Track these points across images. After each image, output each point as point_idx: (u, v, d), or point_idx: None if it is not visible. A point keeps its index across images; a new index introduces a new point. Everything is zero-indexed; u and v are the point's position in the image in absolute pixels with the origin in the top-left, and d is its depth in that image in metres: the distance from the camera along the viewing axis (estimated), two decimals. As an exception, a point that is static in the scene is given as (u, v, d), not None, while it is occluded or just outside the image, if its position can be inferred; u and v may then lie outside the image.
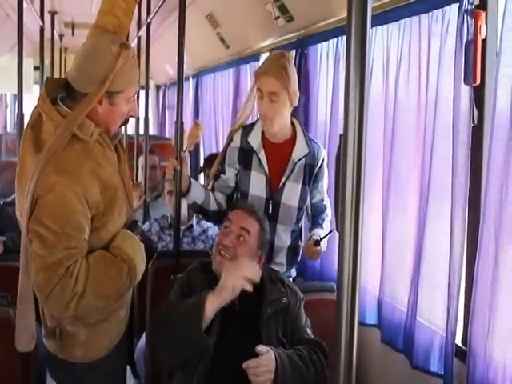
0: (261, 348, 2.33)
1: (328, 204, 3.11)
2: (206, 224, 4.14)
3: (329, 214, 3.11)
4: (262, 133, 3.01)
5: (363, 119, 1.12)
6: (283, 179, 2.97)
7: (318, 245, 2.87)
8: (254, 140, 3.00)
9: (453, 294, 2.41)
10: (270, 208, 2.95)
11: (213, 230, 4.18)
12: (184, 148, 3.23)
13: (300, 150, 2.99)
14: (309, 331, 2.57)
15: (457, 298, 2.41)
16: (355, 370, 1.21)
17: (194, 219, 4.14)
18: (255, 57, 5.42)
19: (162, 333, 2.42)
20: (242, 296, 2.55)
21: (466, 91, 2.38)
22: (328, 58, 3.77)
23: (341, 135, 1.15)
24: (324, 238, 2.91)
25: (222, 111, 6.68)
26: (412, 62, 2.74)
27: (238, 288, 2.32)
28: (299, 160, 2.97)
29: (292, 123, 3.03)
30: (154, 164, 5.16)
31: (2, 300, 2.58)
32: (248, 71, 5.71)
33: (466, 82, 2.37)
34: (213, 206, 3.04)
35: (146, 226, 4.05)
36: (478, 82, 2.35)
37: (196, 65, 7.51)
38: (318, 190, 3.08)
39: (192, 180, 3.01)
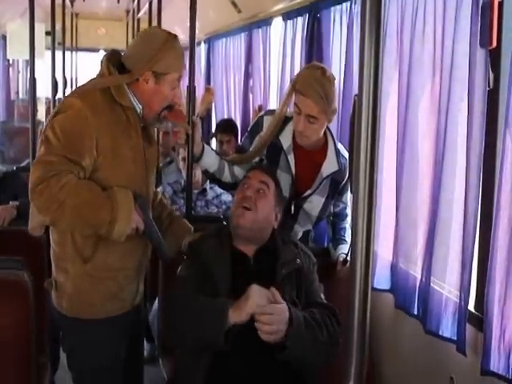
0: (274, 291, 2.34)
1: (349, 212, 3.10)
2: (219, 189, 4.15)
3: (349, 221, 3.11)
4: (293, 133, 2.93)
5: (378, 80, 1.11)
6: (309, 191, 2.95)
7: (347, 262, 2.95)
8: (285, 140, 2.93)
9: (466, 259, 2.40)
10: (292, 209, 2.94)
11: (226, 195, 4.20)
12: (196, 114, 3.22)
13: (330, 166, 2.94)
14: (322, 295, 2.59)
15: (470, 263, 2.40)
16: (368, 334, 1.22)
17: (208, 183, 4.15)
18: (267, 21, 5.37)
19: (176, 323, 2.44)
20: (256, 257, 2.57)
21: (481, 54, 2.34)
22: (341, 21, 3.73)
23: (355, 95, 1.13)
24: (348, 253, 2.95)
25: (234, 76, 6.64)
26: (427, 25, 2.70)
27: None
28: (327, 176, 2.94)
29: (324, 133, 2.95)
30: (167, 130, 5.15)
31: (17, 264, 2.60)
32: (260, 36, 5.66)
33: (481, 44, 2.33)
34: (226, 178, 3.00)
35: (158, 190, 4.06)
36: (494, 44, 2.31)
37: (208, 29, 7.45)
38: (341, 201, 3.09)
39: (206, 147, 2.97)
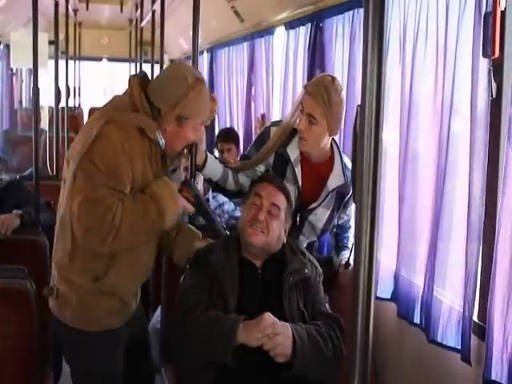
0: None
1: (353, 224, 3.13)
2: (221, 199, 4.16)
3: (352, 231, 3.13)
4: None
5: (381, 90, 1.11)
6: (315, 204, 2.97)
7: (349, 265, 2.99)
8: (293, 151, 2.94)
9: (470, 269, 2.40)
10: (297, 221, 2.95)
11: (228, 205, 4.20)
12: (199, 123, 3.22)
13: (336, 179, 2.96)
14: (327, 305, 2.59)
15: (474, 273, 2.39)
16: (371, 343, 1.21)
17: (210, 193, 4.15)
18: (270, 31, 5.38)
19: (184, 335, 2.44)
20: (264, 266, 2.57)
21: (484, 64, 2.35)
22: (344, 31, 3.73)
23: (358, 106, 1.14)
24: (350, 256, 3.00)
25: (237, 85, 6.66)
26: (429, 35, 2.70)
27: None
28: (333, 189, 2.96)
29: (331, 146, 2.98)
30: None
31: (20, 273, 2.60)
32: (263, 45, 5.68)
33: (484, 54, 2.33)
34: (230, 186, 3.02)
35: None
36: (497, 54, 2.31)
37: (210, 39, 7.47)
38: (345, 214, 3.13)
39: (209, 156, 2.98)
